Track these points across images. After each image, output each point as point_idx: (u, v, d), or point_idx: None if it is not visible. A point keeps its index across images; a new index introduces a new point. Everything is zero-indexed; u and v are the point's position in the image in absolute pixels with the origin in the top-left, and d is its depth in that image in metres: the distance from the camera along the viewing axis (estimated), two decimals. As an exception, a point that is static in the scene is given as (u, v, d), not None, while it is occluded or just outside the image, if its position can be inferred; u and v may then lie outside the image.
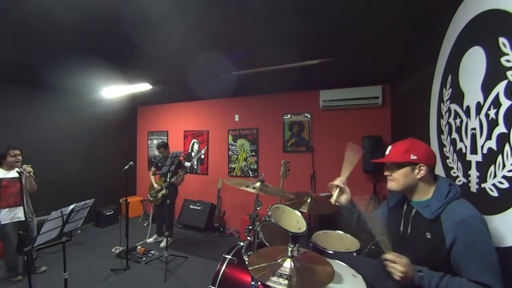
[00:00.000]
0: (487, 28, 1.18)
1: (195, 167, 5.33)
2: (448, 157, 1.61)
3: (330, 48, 2.54)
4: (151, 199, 4.15)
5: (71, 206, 2.13)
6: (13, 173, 2.73)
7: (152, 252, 3.69)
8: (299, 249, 1.32)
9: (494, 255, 0.97)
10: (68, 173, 4.52)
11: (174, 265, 3.31)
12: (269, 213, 2.12)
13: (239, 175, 4.85)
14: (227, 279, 1.87)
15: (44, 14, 1.89)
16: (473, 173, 1.29)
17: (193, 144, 5.38)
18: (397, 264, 1.05)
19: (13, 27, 2.12)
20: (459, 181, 1.45)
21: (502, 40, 1.05)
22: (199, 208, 4.77)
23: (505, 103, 1.03)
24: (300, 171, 4.14)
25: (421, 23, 1.98)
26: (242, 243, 2.15)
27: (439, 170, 1.72)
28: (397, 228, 1.27)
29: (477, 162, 1.25)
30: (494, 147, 1.10)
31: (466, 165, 1.36)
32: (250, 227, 1.99)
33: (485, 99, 1.17)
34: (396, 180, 1.23)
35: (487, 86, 1.16)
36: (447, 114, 1.63)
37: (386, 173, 1.28)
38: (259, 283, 1.63)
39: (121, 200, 4.70)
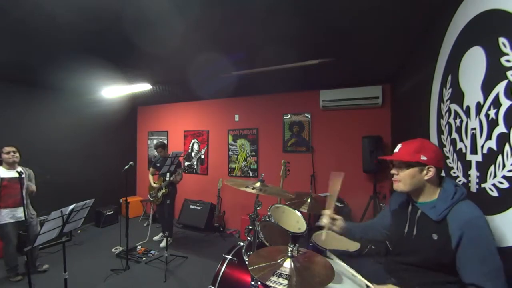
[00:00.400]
0: (487, 28, 1.18)
1: (195, 167, 5.33)
2: (448, 157, 1.61)
3: (330, 48, 2.54)
4: (151, 199, 4.15)
5: (71, 206, 2.13)
6: (14, 173, 2.73)
7: (152, 252, 3.69)
8: (299, 249, 1.32)
9: (497, 259, 0.97)
10: (68, 173, 4.52)
11: (174, 265, 3.31)
12: (269, 213, 2.12)
13: (239, 175, 4.84)
14: (227, 279, 1.87)
15: (44, 14, 1.89)
16: (473, 173, 1.29)
17: (193, 144, 5.38)
18: None
19: (13, 27, 2.12)
20: (459, 181, 1.45)
21: (502, 40, 1.05)
22: (199, 208, 4.77)
23: (505, 103, 1.03)
24: (300, 171, 4.14)
25: (421, 23, 1.98)
26: (242, 243, 2.15)
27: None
28: (402, 229, 1.27)
29: (477, 162, 1.25)
30: (494, 147, 1.10)
31: (466, 165, 1.36)
32: (250, 227, 1.99)
33: (485, 99, 1.17)
34: (403, 180, 1.20)
35: (487, 86, 1.16)
36: (447, 114, 1.63)
37: (393, 171, 1.25)
38: (259, 283, 1.63)
39: (121, 200, 4.70)
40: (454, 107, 1.51)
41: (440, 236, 1.09)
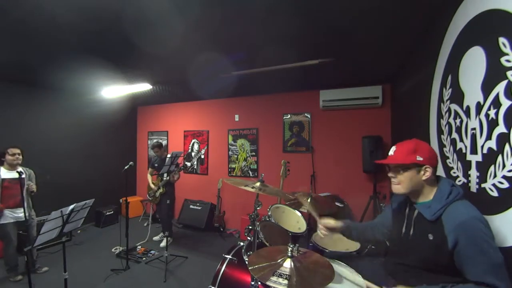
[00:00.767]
0: (487, 28, 1.18)
1: (195, 167, 5.33)
2: (448, 157, 1.61)
3: (330, 48, 2.54)
4: (150, 199, 4.16)
5: (71, 206, 2.13)
6: (15, 174, 2.73)
7: (152, 252, 3.69)
8: (299, 249, 1.32)
9: (497, 255, 0.96)
10: (68, 173, 4.52)
11: (174, 265, 3.31)
12: (269, 213, 2.12)
13: (239, 175, 4.84)
14: (227, 279, 1.87)
15: (44, 14, 1.89)
16: (473, 173, 1.29)
17: (193, 144, 5.38)
18: None
19: (13, 27, 2.12)
20: (459, 181, 1.45)
21: (502, 40, 1.05)
22: (199, 208, 4.77)
23: (505, 103, 1.03)
24: (300, 171, 4.14)
25: (421, 23, 1.98)
26: (242, 243, 2.15)
27: (439, 170, 1.72)
28: (400, 229, 1.27)
29: (477, 162, 1.25)
30: (494, 147, 1.10)
31: (466, 165, 1.36)
32: (250, 227, 1.99)
33: (485, 99, 1.17)
34: (402, 183, 1.19)
35: (487, 86, 1.16)
36: (447, 114, 1.63)
37: (390, 174, 1.24)
38: (259, 283, 1.63)
39: (121, 200, 4.70)
40: (454, 107, 1.51)
41: (436, 236, 1.08)
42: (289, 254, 1.26)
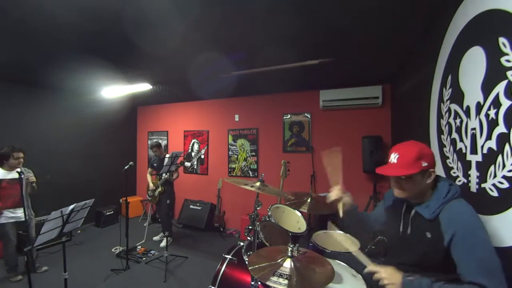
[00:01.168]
0: (487, 28, 1.18)
1: (195, 167, 5.33)
2: (448, 157, 1.61)
3: (330, 48, 2.54)
4: (150, 198, 4.16)
5: (71, 206, 2.13)
6: (14, 174, 2.73)
7: (152, 252, 3.69)
8: (299, 249, 1.32)
9: (491, 255, 0.96)
10: (68, 173, 4.52)
11: (174, 265, 3.31)
12: (269, 213, 2.12)
13: (239, 175, 4.84)
14: (227, 279, 1.87)
15: (44, 14, 1.89)
16: (473, 173, 1.29)
17: (193, 144, 5.38)
18: (382, 275, 1.07)
19: (13, 27, 2.12)
20: (459, 181, 1.45)
21: (502, 40, 1.05)
22: (199, 208, 4.77)
23: (505, 103, 1.03)
24: (300, 171, 4.14)
25: (421, 23, 1.98)
26: (242, 243, 2.15)
27: (439, 170, 1.72)
28: (397, 228, 1.27)
29: (477, 162, 1.25)
30: (494, 147, 1.10)
31: (466, 165, 1.36)
32: (250, 227, 1.99)
33: (485, 99, 1.17)
34: (406, 190, 1.16)
35: (487, 86, 1.16)
36: (447, 114, 1.63)
37: (393, 182, 1.19)
38: (259, 283, 1.63)
39: (121, 200, 4.70)
40: (454, 107, 1.51)
41: (433, 234, 1.09)
42: (289, 254, 1.26)
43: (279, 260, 1.25)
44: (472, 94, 1.29)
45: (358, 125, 3.91)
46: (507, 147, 1.02)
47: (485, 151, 1.18)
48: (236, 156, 4.88)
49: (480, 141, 1.22)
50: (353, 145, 3.87)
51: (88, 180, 4.85)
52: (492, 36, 1.12)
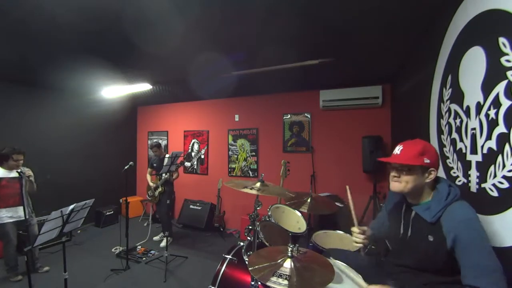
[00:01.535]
0: (487, 28, 1.18)
1: (195, 167, 5.33)
2: (448, 157, 1.61)
3: (330, 48, 2.54)
4: (150, 199, 4.16)
5: (71, 206, 2.13)
6: (14, 173, 2.73)
7: (152, 252, 3.69)
8: (299, 249, 1.32)
9: (492, 260, 0.95)
10: (68, 173, 4.52)
11: (174, 265, 3.31)
12: (269, 213, 2.12)
13: (239, 175, 4.84)
14: (227, 279, 1.87)
15: (44, 14, 1.89)
16: (473, 173, 1.29)
17: (193, 144, 5.38)
18: None
19: (13, 27, 2.12)
20: (459, 181, 1.45)
21: (502, 40, 1.05)
22: (199, 208, 4.77)
23: (505, 103, 1.03)
24: (300, 171, 4.14)
25: (421, 23, 1.98)
26: (242, 243, 2.15)
27: (439, 170, 1.72)
28: (397, 230, 1.27)
29: (477, 162, 1.25)
30: (494, 147, 1.10)
31: (466, 165, 1.36)
32: (250, 227, 1.99)
33: (485, 99, 1.17)
34: (405, 183, 1.16)
35: (487, 86, 1.16)
36: (447, 114, 1.63)
37: (393, 174, 1.20)
38: (259, 283, 1.63)
39: (121, 200, 4.70)
40: (454, 107, 1.51)
41: (436, 237, 1.08)
42: (289, 254, 1.26)
43: (279, 260, 1.24)
44: (472, 94, 1.29)
45: (358, 125, 3.91)
46: (507, 147, 1.02)
47: (485, 151, 1.18)
48: (236, 156, 4.88)
49: (480, 141, 1.22)
50: (353, 145, 3.87)
51: (88, 180, 4.85)
52: (492, 36, 1.12)
